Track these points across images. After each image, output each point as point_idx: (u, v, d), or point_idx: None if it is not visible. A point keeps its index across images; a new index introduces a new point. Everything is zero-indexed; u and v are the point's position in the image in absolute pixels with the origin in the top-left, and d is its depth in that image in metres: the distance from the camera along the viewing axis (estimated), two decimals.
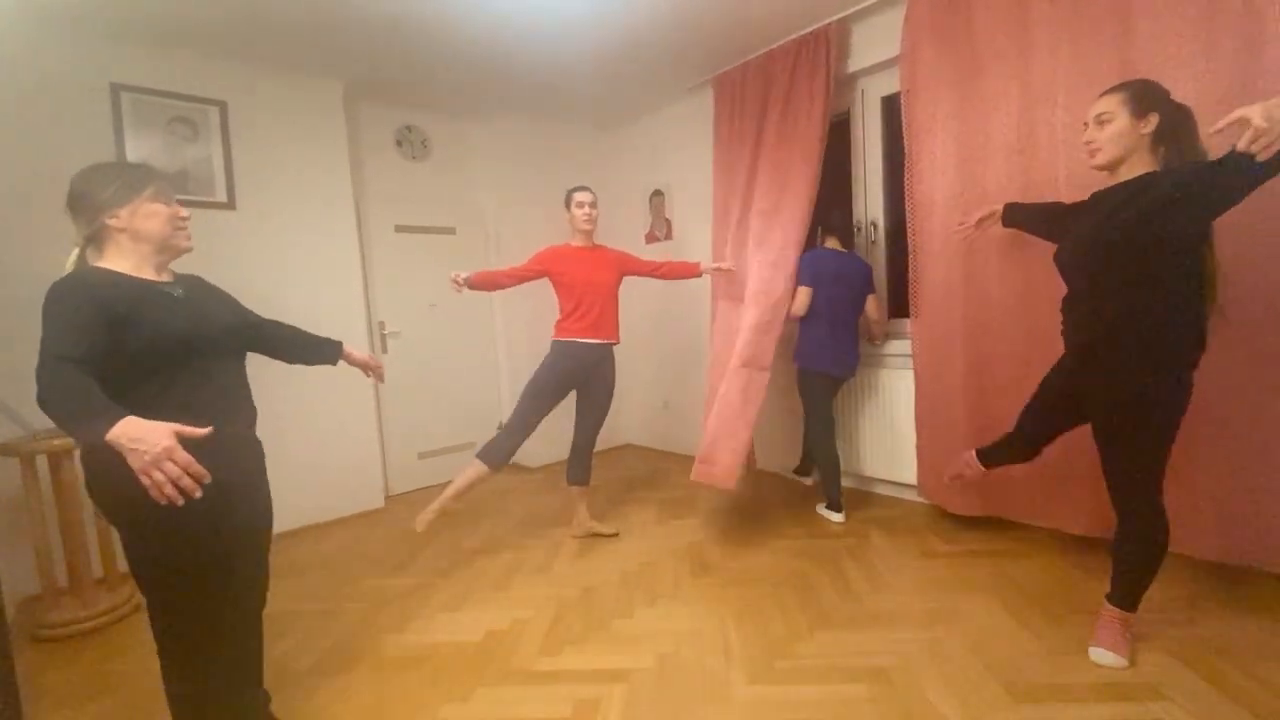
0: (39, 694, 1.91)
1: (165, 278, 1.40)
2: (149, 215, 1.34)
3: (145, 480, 1.06)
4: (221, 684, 1.45)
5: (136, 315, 1.24)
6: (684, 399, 4.38)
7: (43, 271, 1.31)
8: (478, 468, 2.69)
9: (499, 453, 2.71)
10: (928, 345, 2.79)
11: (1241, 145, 1.37)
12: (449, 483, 2.72)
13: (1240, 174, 1.43)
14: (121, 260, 1.33)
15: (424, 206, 4.01)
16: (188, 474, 1.09)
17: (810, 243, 3.05)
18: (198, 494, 1.10)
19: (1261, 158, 1.37)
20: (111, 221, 1.30)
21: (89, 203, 1.30)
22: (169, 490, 1.07)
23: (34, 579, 2.36)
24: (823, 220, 3.02)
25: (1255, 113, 1.34)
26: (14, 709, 1.64)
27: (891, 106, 3.15)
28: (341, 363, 1.84)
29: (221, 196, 3.06)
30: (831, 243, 2.97)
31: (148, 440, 1.05)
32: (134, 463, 1.06)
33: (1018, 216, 2.22)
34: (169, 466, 1.07)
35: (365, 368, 1.85)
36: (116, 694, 1.90)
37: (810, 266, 2.92)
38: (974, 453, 2.25)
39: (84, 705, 1.85)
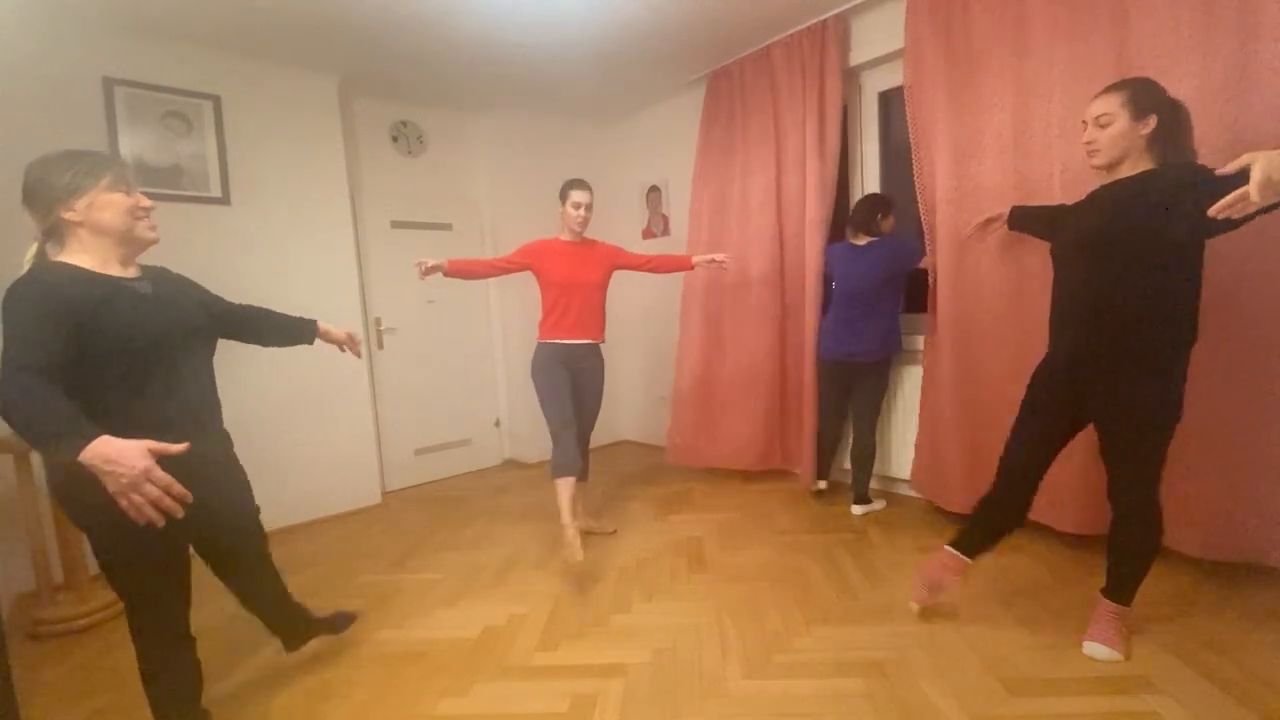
0: (35, 690, 1.90)
1: (131, 272, 1.34)
2: (105, 206, 1.26)
3: (124, 503, 1.01)
4: (192, 677, 1.47)
5: (103, 316, 1.20)
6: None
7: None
8: (562, 483, 2.58)
9: (566, 461, 2.59)
10: (929, 339, 2.79)
11: (1216, 209, 1.28)
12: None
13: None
14: (83, 255, 1.26)
15: (420, 202, 3.99)
16: (169, 495, 1.04)
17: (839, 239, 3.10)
18: (180, 514, 1.06)
19: (1234, 215, 1.29)
20: (68, 215, 1.24)
21: (43, 194, 1.24)
22: (150, 513, 1.03)
23: (29, 575, 2.35)
24: (849, 218, 3.00)
25: (1258, 177, 1.21)
26: (10, 705, 1.63)
27: (887, 102, 3.15)
28: (337, 359, 1.83)
29: (216, 192, 3.04)
30: (860, 238, 2.91)
31: (124, 461, 1.00)
32: (110, 485, 1.01)
33: (1022, 219, 2.21)
34: (148, 489, 1.02)
35: (342, 345, 1.83)
36: (112, 690, 1.89)
37: (825, 256, 3.07)
38: (948, 547, 1.98)
39: (80, 701, 1.85)
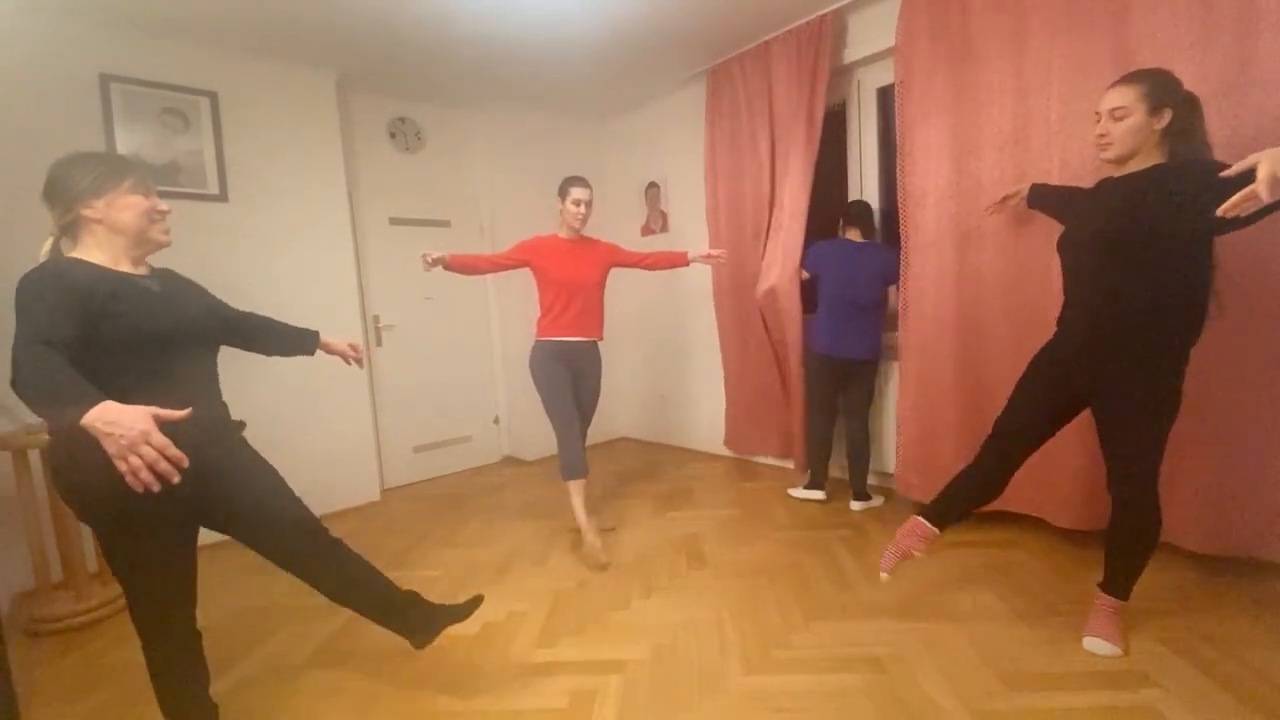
0: (34, 688, 1.90)
1: (141, 270, 1.38)
2: (125, 207, 1.32)
3: (121, 466, 1.02)
4: (198, 670, 1.46)
5: (113, 308, 1.23)
6: (680, 392, 4.38)
7: (32, 264, 1.29)
8: (574, 486, 2.67)
9: (576, 462, 2.66)
10: (917, 338, 2.79)
11: (1224, 209, 1.29)
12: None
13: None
14: (97, 251, 1.31)
15: (418, 199, 3.98)
16: (165, 458, 1.05)
17: (831, 234, 3.11)
18: (175, 479, 1.06)
19: (1243, 214, 1.30)
20: (87, 212, 1.29)
21: (65, 191, 1.28)
22: (145, 476, 1.03)
23: (28, 573, 2.35)
24: (843, 212, 3.03)
25: (1263, 175, 1.21)
26: (9, 703, 1.64)
27: (887, 98, 3.15)
28: (335, 357, 1.82)
29: (213, 189, 3.03)
30: (851, 233, 2.96)
31: (123, 423, 1.02)
32: (109, 447, 1.02)
33: (1041, 198, 2.18)
34: (145, 450, 1.03)
35: (344, 356, 1.82)
36: (112, 687, 1.89)
37: (811, 255, 3.05)
38: (919, 518, 1.96)
39: (79, 699, 1.85)
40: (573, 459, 2.66)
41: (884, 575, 1.99)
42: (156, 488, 1.05)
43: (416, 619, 1.67)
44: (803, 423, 3.28)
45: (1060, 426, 1.87)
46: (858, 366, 2.95)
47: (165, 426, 1.08)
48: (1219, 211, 1.30)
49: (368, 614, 1.64)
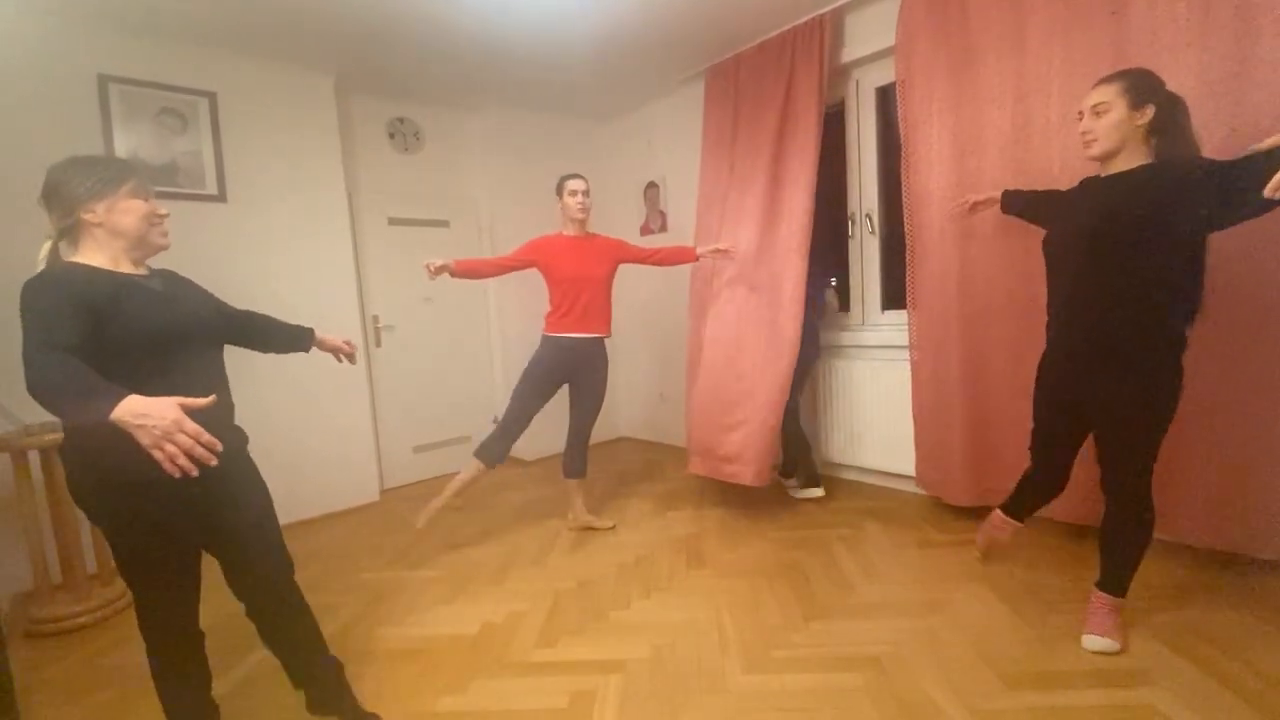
0: (34, 689, 1.90)
1: (142, 272, 1.39)
2: (125, 211, 1.32)
3: (158, 455, 1.04)
4: (201, 672, 1.48)
5: (115, 308, 1.23)
6: (680, 391, 4.37)
7: (30, 265, 1.29)
8: (475, 466, 2.73)
9: (495, 451, 2.73)
10: (926, 336, 2.79)
11: (1270, 190, 1.27)
12: (444, 477, 2.72)
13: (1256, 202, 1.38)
14: (97, 254, 1.32)
15: (417, 199, 3.98)
16: (199, 444, 1.07)
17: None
18: (213, 462, 1.08)
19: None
20: (87, 216, 1.29)
21: (65, 196, 1.29)
22: (183, 462, 1.05)
23: (27, 574, 2.35)
24: None
25: None
26: (9, 704, 1.64)
27: (886, 97, 3.15)
28: (331, 356, 1.83)
29: (212, 189, 3.03)
30: None
31: (154, 414, 1.03)
32: (143, 439, 1.03)
33: (1016, 203, 2.19)
34: (180, 438, 1.05)
35: (338, 352, 1.83)
36: (111, 688, 1.90)
37: None
38: (999, 511, 2.18)
39: (79, 700, 1.85)
40: (497, 449, 2.73)
41: (978, 553, 2.35)
42: (195, 473, 1.07)
43: (328, 690, 1.65)
44: (779, 425, 3.18)
45: (1085, 434, 1.89)
46: (809, 368, 3.18)
47: (191, 415, 1.09)
48: (1266, 193, 1.28)
49: (291, 665, 1.62)
